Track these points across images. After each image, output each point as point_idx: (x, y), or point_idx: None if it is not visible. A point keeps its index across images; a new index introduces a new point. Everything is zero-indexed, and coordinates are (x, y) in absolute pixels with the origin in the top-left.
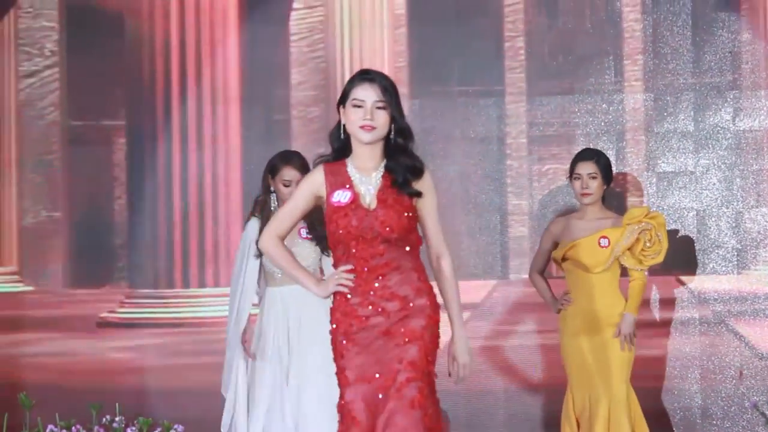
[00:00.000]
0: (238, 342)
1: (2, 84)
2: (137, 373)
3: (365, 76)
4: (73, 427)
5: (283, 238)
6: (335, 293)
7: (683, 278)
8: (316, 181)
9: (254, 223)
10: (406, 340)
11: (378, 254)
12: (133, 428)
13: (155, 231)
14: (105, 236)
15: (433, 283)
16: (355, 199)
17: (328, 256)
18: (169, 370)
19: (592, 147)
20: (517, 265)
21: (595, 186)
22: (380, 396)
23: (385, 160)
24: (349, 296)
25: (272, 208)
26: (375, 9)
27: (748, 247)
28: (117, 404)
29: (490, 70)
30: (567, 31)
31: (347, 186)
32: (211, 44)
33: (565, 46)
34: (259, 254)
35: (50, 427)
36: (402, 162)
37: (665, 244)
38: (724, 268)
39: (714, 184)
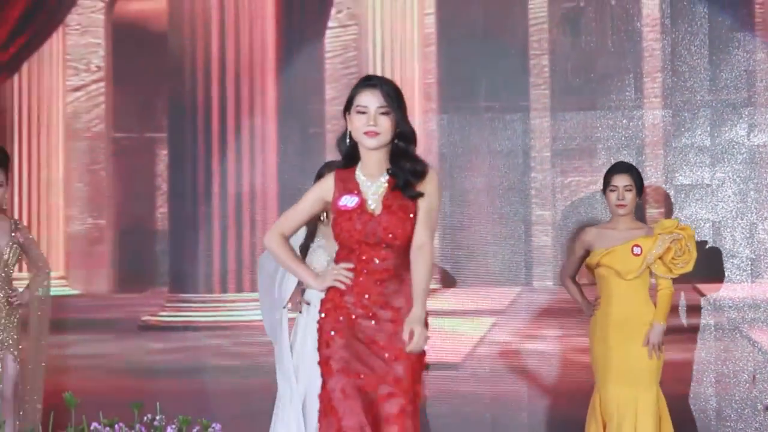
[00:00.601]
0: (284, 348)
1: (51, 98)
2: (177, 373)
3: (368, 82)
4: (116, 425)
5: (287, 237)
6: (330, 287)
7: (699, 286)
8: (326, 186)
9: (300, 231)
10: (394, 357)
11: (380, 259)
12: (173, 427)
13: (195, 238)
14: (147, 243)
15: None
16: (361, 204)
17: None
18: (208, 371)
19: (614, 160)
20: (540, 272)
21: (629, 198)
22: (359, 391)
23: (390, 165)
24: (344, 294)
25: (321, 219)
26: (406, 28)
27: (762, 257)
28: (157, 403)
29: (516, 87)
30: (589, 49)
31: (355, 191)
32: (250, 61)
33: (587, 64)
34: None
35: (94, 424)
36: (404, 165)
37: (694, 254)
38: (738, 277)
39: (729, 196)
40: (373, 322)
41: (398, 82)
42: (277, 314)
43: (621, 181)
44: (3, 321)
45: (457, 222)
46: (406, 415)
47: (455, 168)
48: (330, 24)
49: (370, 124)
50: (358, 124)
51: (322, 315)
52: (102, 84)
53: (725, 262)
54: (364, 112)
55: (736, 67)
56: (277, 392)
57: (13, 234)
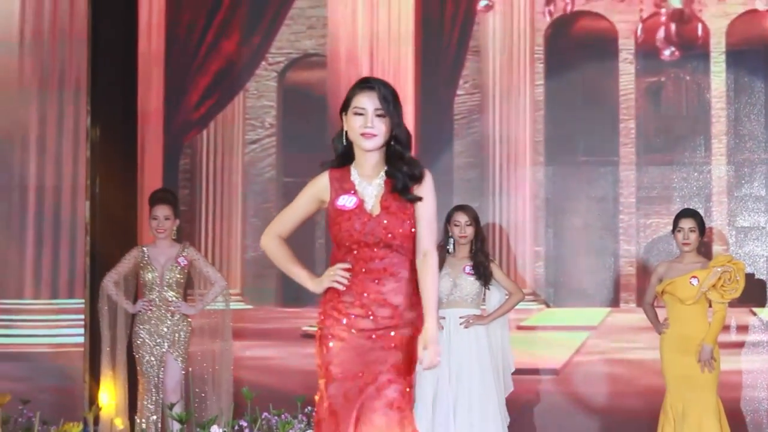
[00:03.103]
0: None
1: (232, 149)
2: None
3: (365, 84)
4: (282, 415)
5: (284, 238)
6: (328, 288)
7: (755, 309)
8: (320, 185)
9: None
10: (393, 345)
11: (378, 258)
12: None
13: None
14: (308, 266)
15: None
16: (360, 205)
17: (488, 289)
18: None
19: (688, 207)
20: (626, 296)
21: (693, 237)
22: (361, 392)
23: (385, 167)
24: (342, 294)
25: (448, 250)
26: (519, 95)
27: None
28: (315, 397)
29: (608, 145)
30: (668, 115)
31: (352, 191)
32: None
33: (666, 127)
34: None
35: (265, 414)
36: (401, 169)
37: (742, 284)
38: None
39: None
40: (370, 321)
41: (512, 141)
42: None
43: (686, 223)
44: (169, 327)
45: (559, 254)
46: (405, 400)
47: (558, 210)
48: (458, 92)
49: (367, 125)
50: (354, 125)
51: (322, 318)
52: (274, 138)
53: None
54: (361, 114)
55: None
56: (416, 394)
57: (181, 256)
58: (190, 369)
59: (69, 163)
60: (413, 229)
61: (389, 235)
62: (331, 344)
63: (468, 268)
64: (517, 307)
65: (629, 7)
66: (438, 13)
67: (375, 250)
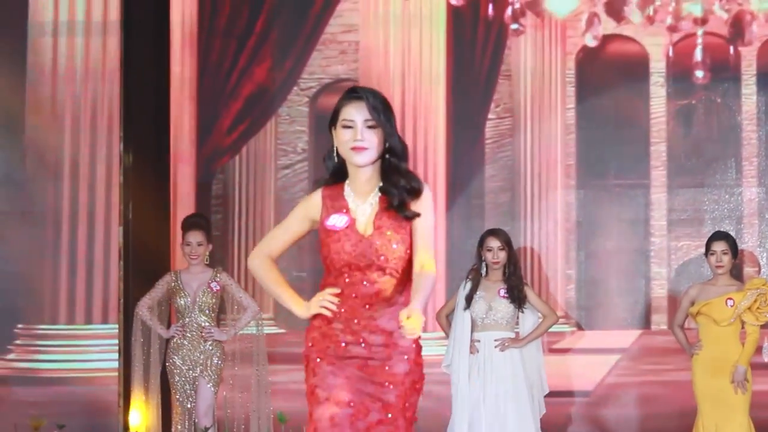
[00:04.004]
0: (464, 380)
1: (264, 174)
2: None
3: (353, 94)
4: None
5: (273, 258)
6: (315, 315)
7: None
8: (312, 203)
9: (467, 285)
10: (387, 383)
11: (370, 282)
12: None
13: None
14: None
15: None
16: (352, 224)
17: (523, 312)
18: None
19: (718, 230)
20: (657, 318)
21: (726, 260)
22: (351, 424)
23: (380, 182)
24: (331, 321)
25: (482, 273)
26: (551, 119)
27: None
28: None
29: (639, 168)
30: (698, 138)
31: (344, 210)
32: (425, 144)
33: (697, 150)
34: (467, 306)
35: None
36: (397, 183)
37: None
38: None
39: None
40: (362, 349)
41: (543, 164)
42: (458, 352)
43: (719, 246)
44: (202, 352)
45: (590, 276)
46: None
47: (589, 233)
48: (490, 116)
49: (357, 138)
50: (344, 139)
51: (309, 344)
52: (306, 163)
53: None
54: (350, 126)
55: None
56: (452, 416)
57: (213, 281)
58: (225, 394)
59: (102, 189)
60: (408, 251)
61: (382, 258)
62: (318, 367)
63: (502, 291)
64: (549, 329)
65: (660, 31)
66: (469, 37)
67: (367, 273)
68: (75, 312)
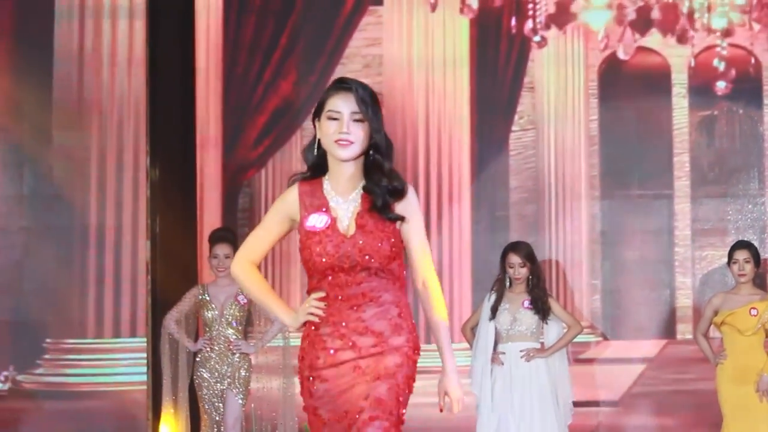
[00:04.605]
0: (485, 391)
1: None
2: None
3: (341, 84)
4: None
5: (256, 264)
6: (306, 322)
7: None
8: (288, 201)
9: (492, 296)
10: (377, 376)
11: (355, 283)
12: None
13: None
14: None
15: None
16: (332, 224)
17: (547, 323)
18: (416, 407)
19: (742, 239)
20: (682, 327)
21: (749, 269)
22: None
23: (363, 180)
24: (319, 326)
25: (506, 286)
26: (574, 131)
27: None
28: None
29: (662, 178)
30: (721, 149)
31: (324, 209)
32: (449, 157)
33: (720, 160)
34: (492, 317)
35: None
36: (380, 182)
37: None
38: None
39: None
40: (352, 352)
41: (567, 176)
42: (481, 363)
43: (741, 255)
44: (230, 365)
45: (615, 287)
46: None
47: (614, 243)
48: (513, 128)
49: (342, 131)
50: (328, 131)
51: (301, 357)
52: None
53: None
54: (335, 118)
55: None
56: (477, 427)
57: (240, 294)
58: (252, 405)
59: (129, 203)
60: (394, 249)
61: (366, 257)
62: (315, 387)
63: (527, 303)
64: (575, 340)
65: (681, 42)
66: (492, 50)
67: (351, 274)
68: (103, 326)
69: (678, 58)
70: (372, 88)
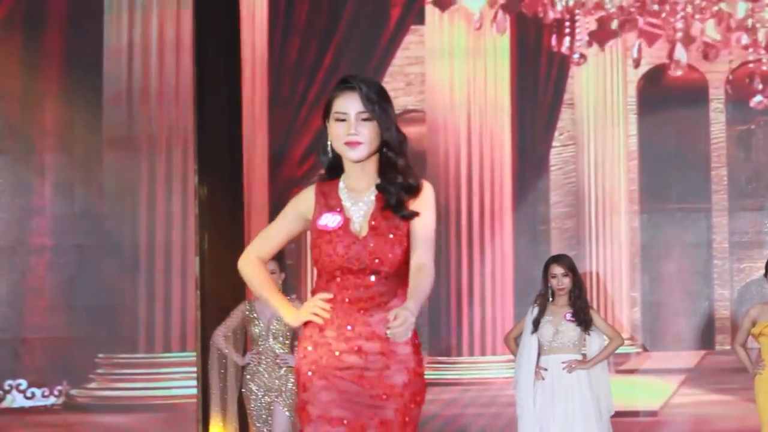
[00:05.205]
0: (528, 402)
1: None
2: (446, 418)
3: (345, 84)
4: None
5: (264, 261)
6: (307, 322)
7: None
8: (304, 200)
9: (534, 309)
10: (384, 395)
11: (363, 286)
12: None
13: (448, 311)
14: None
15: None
16: (345, 225)
17: (589, 335)
18: (461, 418)
19: None
20: (721, 338)
21: None
22: None
23: (379, 179)
24: (323, 328)
25: (549, 299)
26: (614, 146)
27: None
28: None
29: (701, 192)
30: (758, 162)
31: (338, 209)
32: (491, 172)
33: (757, 174)
34: (534, 330)
35: None
36: (394, 180)
37: None
38: None
39: None
40: (359, 357)
41: (607, 190)
42: (525, 375)
43: None
44: (277, 378)
45: (655, 299)
46: None
47: (653, 256)
48: (554, 144)
49: (351, 132)
50: (337, 133)
51: (301, 356)
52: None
53: None
54: (343, 119)
55: None
56: None
57: None
58: None
59: (178, 220)
60: (405, 253)
61: (376, 261)
62: (310, 381)
63: (569, 315)
64: (616, 351)
65: (718, 58)
66: (533, 67)
67: (360, 277)
68: (154, 341)
69: (715, 74)
70: (380, 83)
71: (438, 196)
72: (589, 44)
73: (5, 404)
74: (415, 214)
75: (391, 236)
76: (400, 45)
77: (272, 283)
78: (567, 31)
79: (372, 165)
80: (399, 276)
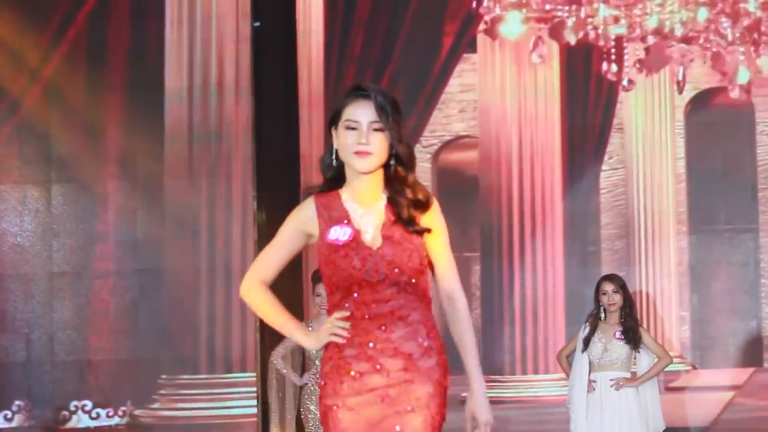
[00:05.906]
0: (582, 418)
1: None
2: None
3: (359, 92)
4: None
5: (267, 283)
6: (329, 344)
7: None
8: (305, 215)
9: (586, 328)
10: (409, 408)
11: (383, 300)
12: None
13: (501, 331)
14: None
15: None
16: (356, 237)
17: (638, 353)
18: None
19: None
20: None
21: None
22: None
23: (386, 192)
24: (343, 348)
25: (600, 318)
26: (662, 169)
27: None
28: None
29: (748, 213)
30: None
31: (345, 221)
32: (542, 194)
33: None
34: (584, 348)
35: None
36: (403, 193)
37: None
38: None
39: None
40: (380, 377)
41: (656, 212)
42: (577, 392)
43: None
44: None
45: (703, 318)
46: None
47: (701, 276)
48: (603, 167)
49: (361, 142)
50: (346, 142)
51: (322, 383)
52: None
53: None
54: (354, 128)
55: None
56: None
57: None
58: None
59: (238, 245)
60: (422, 262)
61: (396, 270)
62: (339, 416)
63: (618, 333)
64: (665, 369)
65: (765, 82)
66: (582, 93)
67: (379, 290)
68: (215, 362)
69: (761, 98)
70: (393, 95)
71: (489, 219)
72: (639, 71)
73: (71, 424)
74: (427, 230)
75: (407, 245)
76: (453, 73)
77: (281, 307)
78: (613, 58)
79: (378, 177)
80: (417, 288)
